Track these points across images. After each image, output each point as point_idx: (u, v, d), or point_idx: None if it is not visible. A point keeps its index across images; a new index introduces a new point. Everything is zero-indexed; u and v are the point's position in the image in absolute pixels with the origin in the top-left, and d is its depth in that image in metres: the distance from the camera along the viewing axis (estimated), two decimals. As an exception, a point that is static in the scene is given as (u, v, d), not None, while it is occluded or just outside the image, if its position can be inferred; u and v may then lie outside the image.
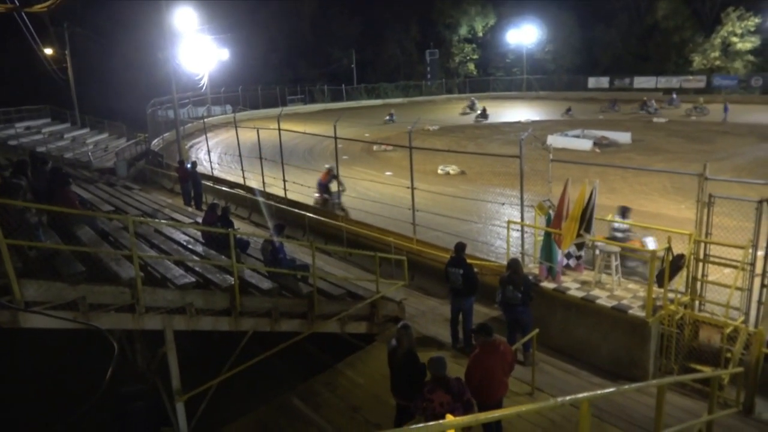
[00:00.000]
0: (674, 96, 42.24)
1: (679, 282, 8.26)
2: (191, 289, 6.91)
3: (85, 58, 38.24)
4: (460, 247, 8.72)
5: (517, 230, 10.78)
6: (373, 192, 16.90)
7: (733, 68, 47.34)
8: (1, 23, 31.38)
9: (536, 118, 38.57)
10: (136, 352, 8.21)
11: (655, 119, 35.59)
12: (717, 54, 47.77)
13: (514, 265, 8.23)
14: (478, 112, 40.50)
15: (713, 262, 8.20)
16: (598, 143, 26.79)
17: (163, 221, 11.27)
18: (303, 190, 16.40)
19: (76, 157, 26.60)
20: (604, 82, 53.49)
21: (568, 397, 3.91)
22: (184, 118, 32.20)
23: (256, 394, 8.02)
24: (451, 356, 7.98)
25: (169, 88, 25.86)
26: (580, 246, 9.20)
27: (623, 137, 28.11)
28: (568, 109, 39.69)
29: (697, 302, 8.41)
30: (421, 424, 3.18)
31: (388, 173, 21.97)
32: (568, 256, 9.38)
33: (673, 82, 48.96)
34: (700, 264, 8.22)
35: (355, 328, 9.01)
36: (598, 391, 4.22)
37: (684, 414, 6.59)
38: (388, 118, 38.08)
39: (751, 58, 46.69)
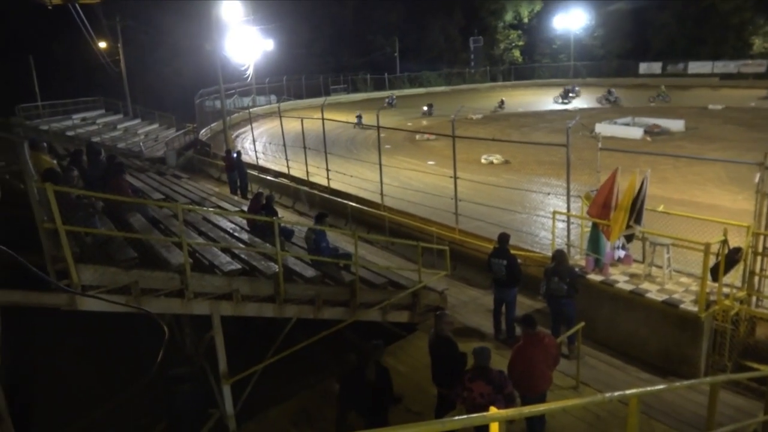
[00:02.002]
0: (575, 88, 41.67)
1: (734, 276, 7.91)
2: (237, 275, 7.08)
3: (135, 50, 39.47)
4: (504, 238, 8.61)
5: (563, 221, 10.55)
6: (415, 181, 16.84)
7: (797, 51, 44.71)
8: (58, 18, 32.72)
9: (584, 105, 37.51)
10: (184, 335, 8.49)
11: (710, 106, 34.00)
12: (780, 36, 45.17)
13: (559, 256, 8.06)
14: (425, 108, 36.82)
15: (773, 256, 7.81)
16: (649, 131, 25.87)
17: (210, 209, 11.57)
18: (345, 179, 16.49)
19: (129, 147, 27.52)
20: (656, 67, 51.40)
21: (616, 393, 3.82)
22: (231, 108, 32.84)
23: (299, 380, 8.16)
24: (494, 347, 7.87)
25: (216, 78, 26.40)
26: (629, 238, 8.93)
27: (676, 125, 27.05)
28: (501, 103, 37.57)
29: (754, 298, 8.03)
30: (464, 416, 3.16)
31: (430, 162, 21.84)
32: (624, 247, 9.13)
33: (731, 66, 46.59)
34: (759, 258, 7.84)
35: (396, 317, 9.04)
36: (648, 388, 4.09)
37: (737, 413, 6.34)
38: (356, 120, 30.32)
39: (816, 40, 43.97)
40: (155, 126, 34.99)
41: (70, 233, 5.73)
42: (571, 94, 40.60)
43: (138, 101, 37.10)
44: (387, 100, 42.56)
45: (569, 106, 38.38)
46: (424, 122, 33.31)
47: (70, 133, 27.39)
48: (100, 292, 5.78)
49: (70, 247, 5.57)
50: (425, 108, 36.72)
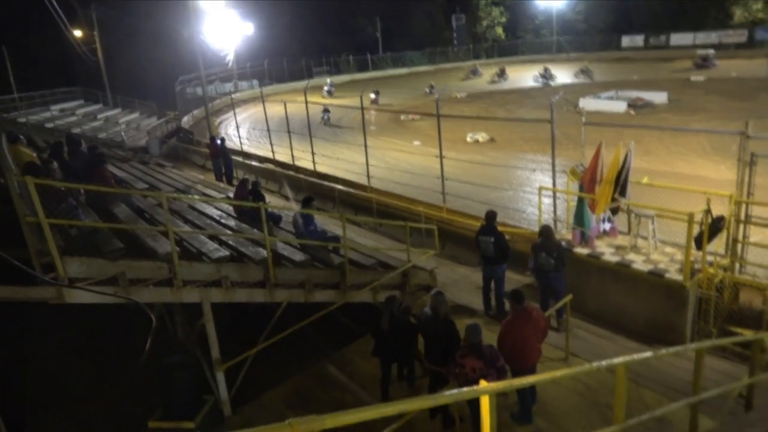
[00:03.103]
0: (477, 68, 43.99)
1: (718, 244, 8.04)
2: (226, 262, 7.07)
3: (112, 38, 38.67)
4: (491, 216, 8.65)
5: (549, 196, 10.62)
6: (401, 162, 16.79)
7: (778, 20, 44.94)
8: (32, 8, 31.95)
9: (568, 80, 37.53)
10: (176, 324, 8.48)
11: (692, 77, 34.17)
12: (759, 6, 45.29)
13: (546, 231, 8.13)
14: (372, 96, 31.17)
15: (755, 224, 7.92)
16: (633, 104, 25.98)
17: (196, 197, 11.48)
18: (331, 162, 16.42)
19: (110, 137, 27.15)
20: (638, 40, 51.37)
21: (604, 362, 3.88)
22: (212, 94, 32.42)
23: (293, 364, 8.22)
24: (484, 323, 7.95)
25: (196, 64, 25.99)
26: (615, 210, 9.02)
27: (659, 97, 27.19)
28: (431, 87, 34.88)
29: (737, 265, 8.18)
30: (455, 390, 3.20)
31: (416, 143, 21.77)
32: (609, 220, 9.23)
33: (712, 37, 46.66)
34: (741, 225, 7.97)
35: (387, 297, 9.09)
36: (635, 356, 4.17)
37: (723, 377, 6.49)
38: (323, 116, 26.50)
39: (796, 8, 44.25)
40: (136, 115, 34.49)
41: (54, 226, 5.67)
42: (477, 73, 42.07)
43: (117, 90, 36.49)
44: (326, 88, 37.51)
45: (504, 85, 38.67)
46: (373, 112, 27.73)
47: (49, 125, 26.92)
48: (87, 284, 5.74)
49: (55, 240, 5.52)
50: (372, 96, 31.15)
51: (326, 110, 26.75)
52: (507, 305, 7.98)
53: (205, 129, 25.96)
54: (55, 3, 27.19)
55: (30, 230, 5.53)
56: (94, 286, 5.78)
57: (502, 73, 41.20)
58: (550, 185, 10.38)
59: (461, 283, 10.18)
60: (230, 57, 39.61)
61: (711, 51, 39.81)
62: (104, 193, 8.46)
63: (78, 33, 35.04)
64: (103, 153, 11.53)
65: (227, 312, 8.30)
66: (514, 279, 9.61)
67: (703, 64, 37.64)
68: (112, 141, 25.89)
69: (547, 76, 37.45)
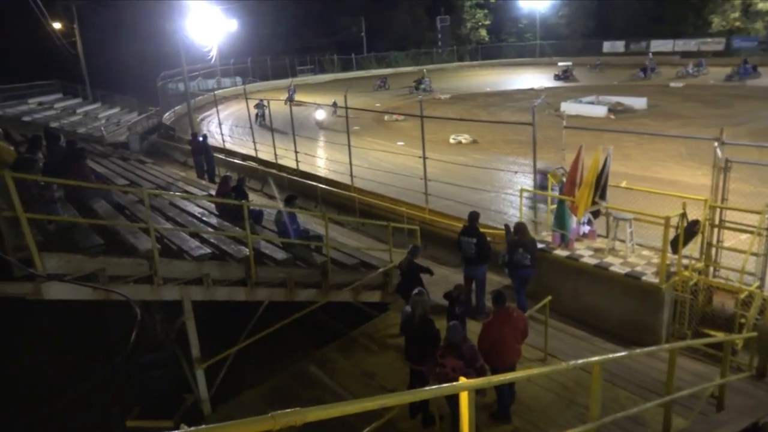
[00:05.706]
0: (384, 81, 41.04)
1: (693, 248, 8.22)
2: (207, 260, 7.03)
3: (92, 31, 38.04)
4: (474, 217, 8.74)
5: (531, 198, 10.74)
6: (384, 162, 16.84)
7: (754, 29, 45.87)
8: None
9: (549, 84, 37.92)
10: (155, 322, 8.41)
11: (672, 84, 34.79)
12: (737, 15, 46.27)
13: (522, 228, 8.31)
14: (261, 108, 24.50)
15: (729, 228, 8.13)
16: (613, 109, 26.36)
17: (177, 194, 11.37)
18: (314, 161, 16.39)
19: (89, 131, 26.73)
20: (619, 46, 52.11)
21: (579, 361, 3.96)
22: (195, 90, 32.08)
23: (273, 362, 8.20)
24: (464, 324, 8.05)
25: (178, 60, 25.73)
26: (595, 213, 9.17)
27: (639, 103, 27.61)
28: (334, 104, 26.59)
29: (711, 268, 8.37)
30: (434, 386, 3.25)
31: (399, 143, 21.83)
32: (589, 222, 9.38)
33: (691, 44, 47.58)
34: (716, 230, 8.16)
35: (368, 296, 9.12)
36: (610, 355, 4.26)
37: (696, 378, 6.64)
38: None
39: (772, 18, 45.25)
40: (116, 110, 34.04)
41: (31, 221, 5.59)
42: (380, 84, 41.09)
43: (97, 84, 35.91)
44: (287, 92, 27.29)
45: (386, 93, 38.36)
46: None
47: (26, 119, 26.43)
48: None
49: (33, 235, 5.44)
50: (257, 108, 24.77)
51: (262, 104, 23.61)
52: (488, 306, 8.07)
53: (186, 126, 25.71)
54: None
55: (7, 225, 5.45)
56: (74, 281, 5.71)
57: (383, 82, 41.01)
58: (531, 187, 10.51)
59: (442, 283, 10.20)
60: (213, 53, 39.27)
61: (569, 63, 43.47)
62: (83, 188, 8.35)
63: (57, 25, 34.40)
64: (83, 148, 11.35)
65: (208, 310, 8.25)
66: (494, 280, 9.69)
67: (562, 76, 40.64)
68: (92, 136, 25.49)
69: (423, 85, 38.26)
